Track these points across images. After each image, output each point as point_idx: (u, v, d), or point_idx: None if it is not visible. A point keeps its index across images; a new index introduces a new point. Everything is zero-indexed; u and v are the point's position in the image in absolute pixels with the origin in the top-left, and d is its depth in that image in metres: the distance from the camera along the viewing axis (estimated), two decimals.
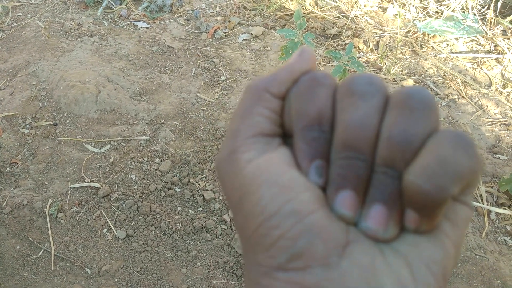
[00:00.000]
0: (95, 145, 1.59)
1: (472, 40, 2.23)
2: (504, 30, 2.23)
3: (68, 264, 1.30)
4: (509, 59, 2.08)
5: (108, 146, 1.59)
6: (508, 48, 2.12)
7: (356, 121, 0.27)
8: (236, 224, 0.29)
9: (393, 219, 0.27)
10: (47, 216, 1.39)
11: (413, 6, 2.40)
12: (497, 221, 1.48)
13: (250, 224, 0.27)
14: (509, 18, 2.22)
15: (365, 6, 2.45)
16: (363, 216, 0.27)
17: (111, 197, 1.46)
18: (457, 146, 0.25)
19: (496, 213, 1.50)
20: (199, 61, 2.04)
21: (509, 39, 2.17)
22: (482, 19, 2.29)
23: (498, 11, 2.28)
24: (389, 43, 2.17)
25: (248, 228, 0.27)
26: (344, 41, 2.19)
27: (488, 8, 2.30)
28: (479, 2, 2.36)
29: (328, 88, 0.29)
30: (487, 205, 1.50)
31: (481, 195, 1.53)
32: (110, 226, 1.39)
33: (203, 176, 1.52)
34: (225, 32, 2.26)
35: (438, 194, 0.24)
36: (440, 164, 0.24)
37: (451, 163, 0.24)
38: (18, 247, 1.32)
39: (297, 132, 0.29)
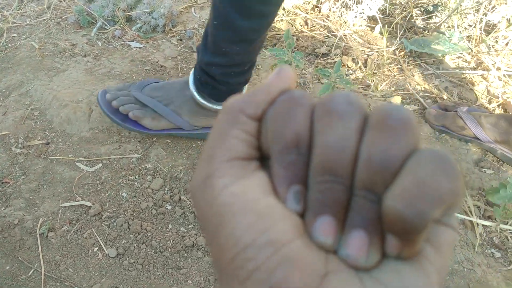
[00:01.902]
0: (87, 163, 1.59)
1: (458, 57, 2.26)
2: (488, 47, 2.26)
3: (58, 284, 1.29)
4: (493, 75, 2.11)
5: (100, 165, 1.58)
6: (492, 64, 2.16)
7: (333, 143, 0.26)
8: (211, 254, 0.28)
9: (374, 246, 0.26)
10: (38, 236, 1.38)
11: (400, 24, 2.43)
12: (484, 234, 1.49)
13: (224, 256, 0.26)
14: (491, 35, 2.26)
15: (353, 25, 2.49)
16: (343, 243, 0.26)
17: (102, 215, 1.45)
18: (437, 167, 0.23)
19: (483, 226, 1.50)
20: None
21: (493, 56, 2.21)
22: (468, 37, 2.32)
23: (483, 28, 2.32)
24: (377, 60, 2.20)
25: (222, 260, 0.26)
26: (333, 59, 2.22)
27: (474, 26, 2.34)
28: (465, 20, 2.40)
29: (305, 108, 0.28)
30: (475, 218, 1.51)
31: (469, 207, 1.54)
32: (100, 244, 1.38)
33: None
34: None
35: (418, 219, 0.23)
36: (419, 187, 0.23)
37: (431, 185, 0.23)
38: (7, 267, 1.31)
39: (274, 155, 0.28)
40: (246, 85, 1.58)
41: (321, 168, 0.26)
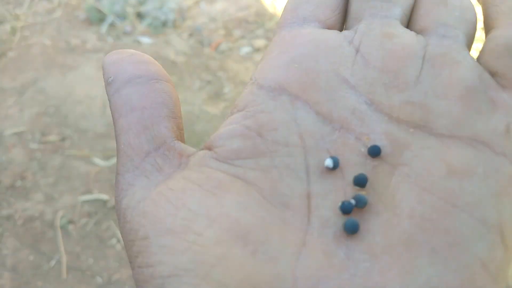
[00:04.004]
0: (103, 158, 1.69)
1: None
2: None
3: (79, 273, 1.39)
4: None
5: (115, 159, 1.69)
6: None
7: None
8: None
9: None
10: (58, 228, 1.49)
11: None
12: None
13: None
14: None
15: None
16: None
17: None
18: None
19: None
20: (202, 75, 2.15)
21: None
22: None
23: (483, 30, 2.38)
24: None
25: None
26: None
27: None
28: None
29: None
30: None
31: None
32: (118, 237, 1.48)
33: None
34: (227, 46, 2.38)
35: None
36: None
37: None
38: (31, 258, 1.42)
39: None
40: None
41: None
